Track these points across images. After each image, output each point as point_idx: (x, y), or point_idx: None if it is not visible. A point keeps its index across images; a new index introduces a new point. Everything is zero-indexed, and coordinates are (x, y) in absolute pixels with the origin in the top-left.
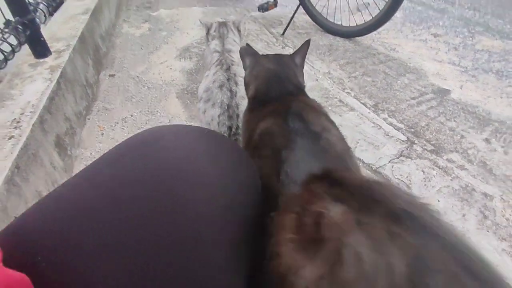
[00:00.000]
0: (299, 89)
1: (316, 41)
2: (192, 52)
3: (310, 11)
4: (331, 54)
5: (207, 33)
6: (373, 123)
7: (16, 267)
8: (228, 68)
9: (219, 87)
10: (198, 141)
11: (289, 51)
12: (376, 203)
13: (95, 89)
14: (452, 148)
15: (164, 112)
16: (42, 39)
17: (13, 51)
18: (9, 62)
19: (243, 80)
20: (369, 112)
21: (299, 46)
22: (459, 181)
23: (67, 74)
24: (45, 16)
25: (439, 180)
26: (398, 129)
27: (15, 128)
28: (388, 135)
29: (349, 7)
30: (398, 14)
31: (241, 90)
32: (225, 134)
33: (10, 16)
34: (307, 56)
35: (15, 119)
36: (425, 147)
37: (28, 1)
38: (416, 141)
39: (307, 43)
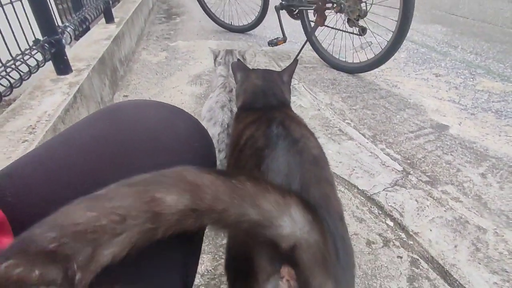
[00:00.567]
0: (284, 104)
1: (321, 75)
2: (203, 79)
3: (317, 47)
4: (335, 88)
5: (215, 59)
6: (371, 152)
7: None
8: (231, 91)
9: (221, 107)
10: (157, 110)
11: (294, 82)
12: None
13: None
14: (447, 180)
15: None
16: (65, 58)
17: (38, 66)
18: (33, 75)
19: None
20: (367, 142)
21: (304, 78)
22: (452, 212)
23: (84, 90)
24: (71, 38)
25: (433, 211)
26: (394, 159)
27: (30, 133)
28: (384, 164)
29: (353, 45)
30: (401, 54)
31: None
32: (224, 152)
33: (39, 35)
34: (311, 87)
35: (30, 125)
36: (420, 178)
37: (58, 24)
38: (411, 172)
39: (295, 62)
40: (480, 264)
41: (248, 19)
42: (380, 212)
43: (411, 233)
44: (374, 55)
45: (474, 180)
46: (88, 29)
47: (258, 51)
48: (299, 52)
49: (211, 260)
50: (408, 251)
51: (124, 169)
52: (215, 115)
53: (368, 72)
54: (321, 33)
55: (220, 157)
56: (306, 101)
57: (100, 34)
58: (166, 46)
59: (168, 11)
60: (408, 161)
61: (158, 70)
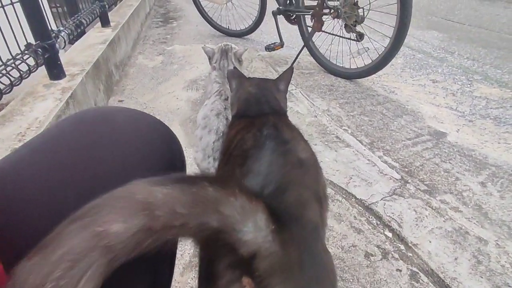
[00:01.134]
0: (278, 112)
1: (318, 81)
2: (199, 84)
3: (314, 53)
4: (332, 94)
5: (209, 61)
6: (368, 160)
7: None
8: (226, 99)
9: (216, 115)
10: (122, 115)
11: (291, 87)
12: None
13: None
14: (446, 189)
15: None
16: (59, 63)
17: (29, 71)
18: (24, 81)
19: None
20: (364, 149)
21: (301, 84)
22: (452, 223)
23: (77, 96)
24: (65, 42)
25: (432, 221)
26: (392, 167)
27: (19, 141)
28: (382, 172)
29: (350, 50)
30: (398, 60)
31: None
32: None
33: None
34: (308, 93)
35: (20, 132)
36: (419, 187)
37: (51, 28)
38: (409, 180)
39: (290, 70)
40: (482, 278)
41: (246, 24)
42: (379, 222)
43: (410, 244)
44: (371, 61)
45: (474, 189)
46: (83, 32)
47: (255, 56)
48: (296, 58)
49: None
50: (407, 264)
51: (92, 175)
52: (210, 123)
53: (366, 78)
54: (318, 39)
55: (216, 165)
56: (303, 107)
57: (96, 38)
58: (162, 50)
59: (165, 15)
60: (406, 169)
61: (154, 75)
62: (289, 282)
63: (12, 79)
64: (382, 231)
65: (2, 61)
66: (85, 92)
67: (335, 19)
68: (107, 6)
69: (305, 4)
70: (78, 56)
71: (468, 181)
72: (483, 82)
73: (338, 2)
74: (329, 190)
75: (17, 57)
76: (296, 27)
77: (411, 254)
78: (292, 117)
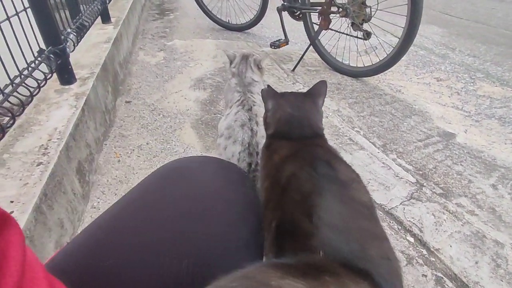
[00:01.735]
0: (319, 135)
1: (325, 79)
2: (206, 83)
3: (320, 51)
4: (340, 93)
5: (230, 65)
6: (383, 163)
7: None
8: (250, 109)
9: (240, 126)
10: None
11: (299, 86)
12: None
13: (112, 115)
14: (460, 192)
15: (178, 141)
16: (70, 67)
17: (46, 79)
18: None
19: (263, 119)
20: (378, 152)
21: (308, 82)
22: (470, 226)
23: (91, 102)
24: (74, 45)
25: (450, 225)
26: (407, 170)
27: (43, 154)
28: (397, 176)
29: (357, 48)
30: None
31: (261, 130)
32: (245, 170)
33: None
34: None
35: (42, 145)
36: (434, 190)
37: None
38: (425, 184)
39: (324, 84)
40: (502, 281)
41: (246, 17)
42: (400, 227)
43: (432, 249)
44: (379, 60)
45: (487, 191)
46: (86, 31)
47: (258, 52)
48: (302, 56)
49: None
50: (431, 269)
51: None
52: (234, 134)
53: (371, 76)
54: (324, 36)
55: None
56: None
57: (99, 36)
58: (163, 45)
59: (160, 7)
60: (420, 172)
61: (158, 72)
62: None
63: (31, 89)
64: (404, 236)
65: (18, 70)
66: (97, 96)
67: (343, 17)
68: (107, 1)
69: (311, 1)
70: (84, 57)
71: (480, 184)
72: (485, 80)
73: (346, 1)
74: None
75: (31, 65)
76: (299, 22)
77: (434, 259)
78: None
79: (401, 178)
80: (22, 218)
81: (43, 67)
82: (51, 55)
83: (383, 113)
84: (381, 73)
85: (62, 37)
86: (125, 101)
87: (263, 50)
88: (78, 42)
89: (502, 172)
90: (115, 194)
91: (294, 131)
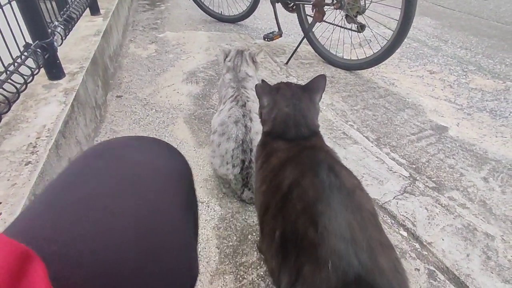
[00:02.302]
0: (315, 133)
1: (319, 72)
2: (199, 76)
3: (313, 43)
4: (333, 86)
5: (224, 60)
6: (376, 157)
7: None
8: (244, 105)
9: (234, 122)
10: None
11: (292, 80)
12: None
13: (102, 111)
14: (452, 186)
15: (171, 137)
16: (58, 62)
17: (33, 74)
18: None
19: (257, 116)
20: (372, 146)
21: (301, 75)
22: (461, 220)
23: (80, 97)
24: (62, 39)
25: (442, 219)
26: (400, 164)
27: (32, 153)
28: (391, 170)
29: (351, 41)
30: None
31: (255, 126)
32: (238, 167)
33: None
34: None
35: (31, 143)
36: (427, 184)
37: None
38: (418, 178)
39: (323, 78)
40: (492, 273)
41: (239, 9)
42: (393, 221)
43: (424, 243)
44: (373, 53)
45: (478, 184)
46: (75, 24)
47: (251, 45)
48: (295, 49)
49: (233, 280)
50: (424, 263)
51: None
52: (228, 130)
53: (365, 69)
54: (317, 29)
55: (235, 172)
56: None
57: (87, 29)
58: (154, 37)
59: None
60: (413, 166)
61: (149, 65)
62: None
63: (18, 85)
64: (397, 230)
65: (4, 66)
66: (86, 91)
67: (337, 10)
68: None
69: None
70: (72, 51)
71: (471, 177)
72: (477, 73)
73: None
74: None
75: (17, 60)
76: (292, 14)
77: (426, 253)
78: None
79: (395, 172)
80: (10, 220)
81: (30, 62)
82: (38, 50)
83: (377, 106)
84: (375, 66)
85: (49, 30)
86: (116, 95)
87: (256, 42)
88: (66, 35)
89: (492, 165)
90: None
91: (291, 131)
